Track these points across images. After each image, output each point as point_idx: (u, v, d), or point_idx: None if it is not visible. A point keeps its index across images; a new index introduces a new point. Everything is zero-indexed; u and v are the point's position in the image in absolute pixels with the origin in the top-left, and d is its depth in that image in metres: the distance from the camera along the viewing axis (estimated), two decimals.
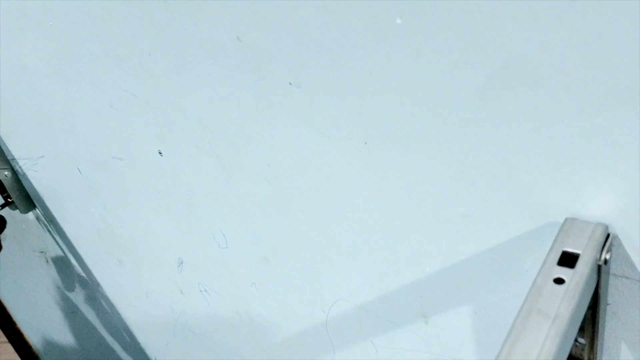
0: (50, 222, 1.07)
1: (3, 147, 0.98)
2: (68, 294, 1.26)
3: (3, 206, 1.06)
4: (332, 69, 0.49)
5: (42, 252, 1.20)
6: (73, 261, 1.12)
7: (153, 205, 0.82)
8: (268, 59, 0.53)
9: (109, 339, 1.29)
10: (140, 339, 1.19)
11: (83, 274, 1.13)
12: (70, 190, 0.94)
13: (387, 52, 0.45)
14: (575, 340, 0.47)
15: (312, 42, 0.49)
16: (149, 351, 1.20)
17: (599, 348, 0.48)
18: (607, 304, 0.47)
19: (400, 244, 0.57)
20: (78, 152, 0.84)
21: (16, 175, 1.01)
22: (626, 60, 0.36)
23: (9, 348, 1.58)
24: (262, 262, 0.74)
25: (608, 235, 0.42)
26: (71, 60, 0.71)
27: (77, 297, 1.24)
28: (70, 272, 1.17)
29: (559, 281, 0.40)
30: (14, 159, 0.98)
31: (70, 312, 1.32)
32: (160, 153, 0.72)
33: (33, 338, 1.57)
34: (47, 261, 1.21)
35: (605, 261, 0.41)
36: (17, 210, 1.06)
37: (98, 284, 1.12)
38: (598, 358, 0.48)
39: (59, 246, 1.11)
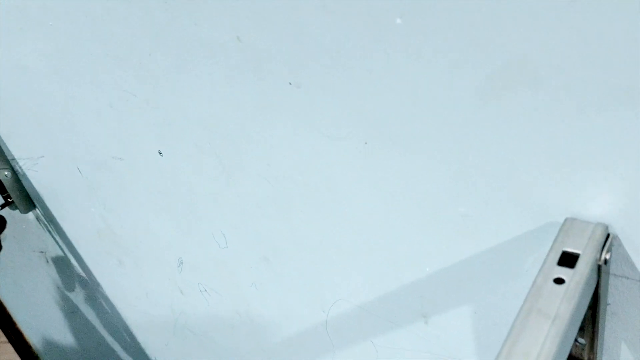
0: (50, 222, 1.07)
1: (3, 147, 0.98)
2: (68, 294, 1.26)
3: (3, 206, 1.06)
4: (332, 69, 0.49)
5: (42, 252, 1.20)
6: (73, 261, 1.12)
7: (153, 205, 0.81)
8: (268, 59, 0.53)
9: (109, 339, 1.29)
10: (140, 339, 1.19)
11: (83, 274, 1.13)
12: (70, 190, 0.94)
13: (387, 52, 0.45)
14: (575, 340, 0.47)
15: (312, 42, 0.49)
16: (149, 351, 1.20)
17: (599, 348, 0.48)
18: (607, 304, 0.47)
19: (400, 244, 0.57)
20: (78, 152, 0.84)
21: (16, 175, 1.01)
22: (626, 60, 0.36)
23: (9, 348, 1.58)
24: (262, 262, 0.74)
25: (608, 235, 0.42)
26: (71, 60, 0.71)
27: (77, 297, 1.24)
28: (70, 272, 1.17)
29: (559, 281, 0.40)
30: (14, 159, 0.98)
31: (70, 312, 1.32)
32: (160, 153, 0.72)
33: (33, 338, 1.57)
34: (47, 261, 1.21)
35: (605, 261, 0.41)
36: (17, 210, 1.06)
37: (98, 284, 1.12)
38: (598, 358, 0.48)
39: (59, 246, 1.11)
